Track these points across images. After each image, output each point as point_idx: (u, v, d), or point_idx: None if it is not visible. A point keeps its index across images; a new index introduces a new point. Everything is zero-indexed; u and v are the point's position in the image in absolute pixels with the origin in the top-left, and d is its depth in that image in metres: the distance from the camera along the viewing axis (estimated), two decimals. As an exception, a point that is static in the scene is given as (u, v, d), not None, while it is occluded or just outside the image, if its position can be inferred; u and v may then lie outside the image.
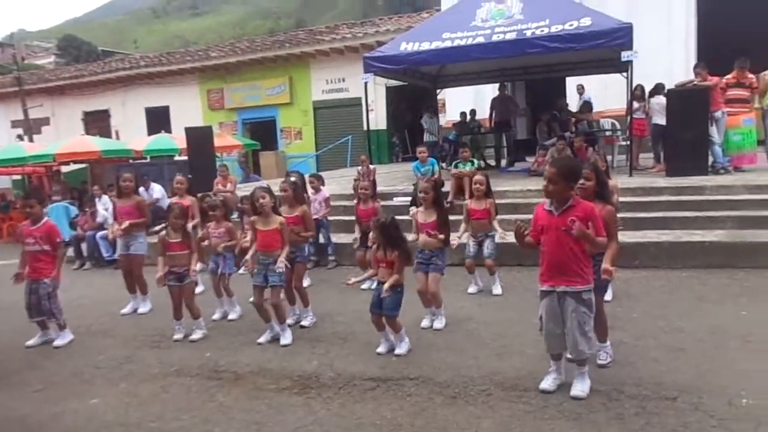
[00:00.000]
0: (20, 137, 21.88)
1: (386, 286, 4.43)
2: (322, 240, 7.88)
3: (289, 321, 5.28)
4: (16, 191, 20.46)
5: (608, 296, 5.28)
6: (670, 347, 4.33)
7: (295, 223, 5.47)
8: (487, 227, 6.08)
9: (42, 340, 5.50)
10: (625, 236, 5.94)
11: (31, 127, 22.49)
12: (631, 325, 4.85)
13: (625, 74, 9.77)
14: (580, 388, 3.64)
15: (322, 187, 8.01)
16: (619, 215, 5.05)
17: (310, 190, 7.86)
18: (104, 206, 9.73)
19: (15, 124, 23.62)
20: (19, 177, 19.60)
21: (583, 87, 13.00)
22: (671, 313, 5.12)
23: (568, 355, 3.75)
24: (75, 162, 16.77)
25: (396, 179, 11.50)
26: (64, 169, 18.16)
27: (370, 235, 6.24)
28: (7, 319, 6.10)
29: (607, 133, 12.14)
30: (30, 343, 5.46)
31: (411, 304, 4.82)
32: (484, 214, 6.02)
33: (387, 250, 4.49)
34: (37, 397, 4.30)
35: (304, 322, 5.44)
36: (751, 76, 9.60)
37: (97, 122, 22.80)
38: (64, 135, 20.28)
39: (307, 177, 8.22)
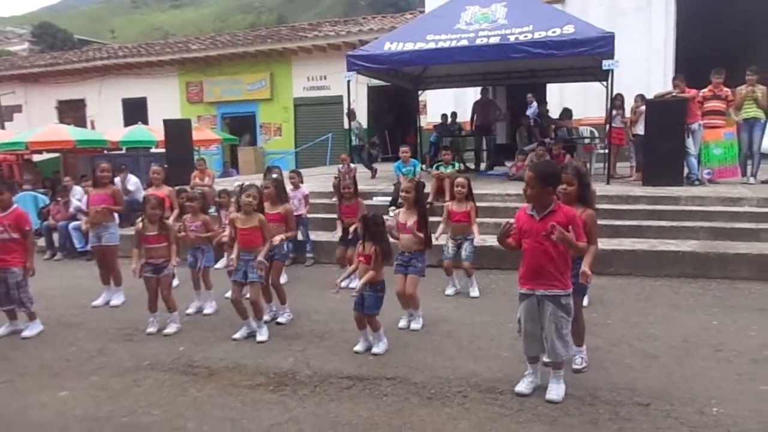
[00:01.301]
0: (-9, 123, 21.40)
1: (360, 282, 4.43)
2: (300, 237, 7.82)
3: (266, 317, 5.22)
4: (-15, 178, 19.95)
5: (584, 302, 5.34)
6: (644, 354, 4.40)
7: (277, 221, 5.43)
8: (467, 230, 6.10)
9: (10, 330, 5.37)
10: (600, 243, 5.97)
11: (2, 114, 21.98)
12: (606, 331, 4.90)
13: (605, 83, 9.91)
14: (556, 392, 3.66)
15: (301, 184, 7.95)
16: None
17: (289, 187, 7.80)
18: (77, 197, 9.54)
19: (-14, 109, 23.06)
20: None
21: (532, 97, 13.09)
22: (645, 320, 5.20)
23: (545, 359, 3.77)
24: (48, 151, 16.43)
25: (376, 179, 11.49)
26: (36, 157, 17.77)
27: (351, 229, 6.25)
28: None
29: (586, 141, 12.29)
30: (-3, 333, 5.32)
31: (389, 303, 4.80)
32: (464, 217, 6.04)
33: (366, 245, 4.49)
34: (4, 388, 4.19)
35: (280, 319, 5.39)
36: (726, 89, 9.80)
37: (72, 111, 22.35)
38: (36, 123, 19.85)
39: (286, 173, 8.16)
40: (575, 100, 13.69)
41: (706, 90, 9.87)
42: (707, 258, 6.65)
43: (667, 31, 14.38)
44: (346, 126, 12.32)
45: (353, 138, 12.87)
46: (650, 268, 6.71)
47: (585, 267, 3.73)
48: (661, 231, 7.42)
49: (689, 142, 9.42)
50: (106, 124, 20.32)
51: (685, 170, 9.45)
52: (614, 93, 9.90)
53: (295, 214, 7.43)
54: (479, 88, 13.48)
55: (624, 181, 10.31)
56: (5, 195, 5.37)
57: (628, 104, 10.72)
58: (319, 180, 11.15)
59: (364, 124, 18.35)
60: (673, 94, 9.80)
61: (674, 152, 9.11)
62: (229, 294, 6.10)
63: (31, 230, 5.52)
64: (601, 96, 10.96)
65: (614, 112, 10.35)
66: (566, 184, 3.87)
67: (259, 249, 4.96)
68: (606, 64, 8.88)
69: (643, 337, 4.74)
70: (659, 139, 9.06)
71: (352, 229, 6.22)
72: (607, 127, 10.31)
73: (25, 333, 5.30)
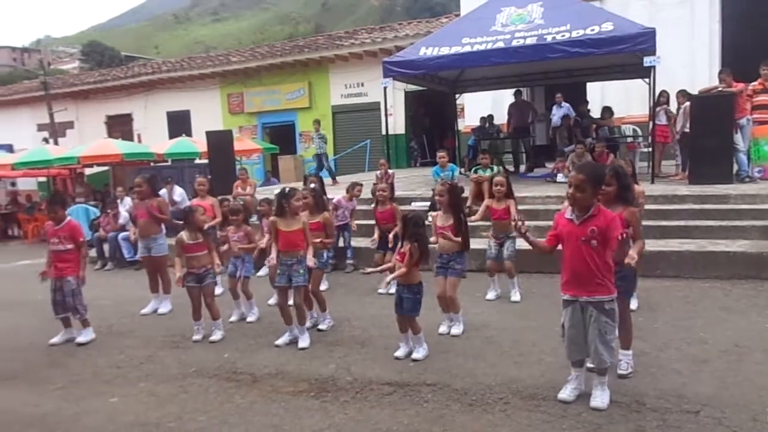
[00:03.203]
0: (46, 140, 22.30)
1: (389, 277, 4.48)
2: (342, 243, 7.90)
3: (307, 324, 5.28)
4: (41, 193, 20.82)
5: (633, 305, 5.23)
6: (693, 359, 4.26)
7: (317, 230, 5.48)
8: (508, 227, 6.03)
9: (65, 338, 5.59)
10: (645, 245, 5.87)
11: (56, 131, 22.89)
12: (652, 335, 4.77)
13: (647, 80, 9.67)
14: (600, 398, 3.58)
15: (355, 198, 8.02)
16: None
17: (343, 195, 7.92)
18: (126, 208, 9.86)
19: (41, 127, 24.04)
20: (44, 179, 19.93)
21: (561, 97, 12.89)
22: (694, 324, 5.04)
23: (589, 364, 3.70)
24: (98, 164, 17.03)
25: (414, 184, 11.48)
26: (88, 171, 18.45)
27: (390, 235, 6.27)
28: (32, 317, 6.19)
29: (629, 140, 12.01)
30: (53, 341, 5.55)
31: (429, 309, 4.80)
32: (504, 214, 5.99)
33: (404, 243, 4.51)
34: (59, 394, 4.36)
35: (321, 326, 5.44)
36: (777, 82, 9.44)
37: (120, 126, 23.11)
38: (87, 138, 20.60)
39: (346, 185, 8.26)
40: (617, 99, 13.40)
41: (755, 83, 9.53)
42: (760, 258, 6.40)
43: (711, 24, 13.93)
44: (383, 132, 12.37)
45: (316, 146, 13.57)
46: (699, 270, 6.50)
47: (632, 252, 3.63)
48: (710, 231, 7.19)
49: (737, 138, 9.10)
50: (152, 137, 20.93)
51: (734, 167, 9.13)
52: (657, 90, 9.66)
53: (341, 223, 7.57)
54: (510, 91, 13.35)
55: (669, 180, 10.03)
56: (60, 213, 5.62)
57: (673, 101, 10.42)
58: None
59: (402, 130, 18.47)
60: (720, 88, 9.49)
61: (722, 149, 8.82)
62: (271, 301, 6.23)
63: (84, 241, 5.75)
64: (643, 93, 10.71)
65: (658, 109, 10.09)
66: (605, 184, 3.79)
67: (301, 252, 5.02)
68: (647, 60, 8.68)
69: (692, 341, 4.60)
70: (706, 136, 8.79)
71: (391, 235, 6.23)
72: (651, 124, 10.04)
73: (79, 339, 5.51)
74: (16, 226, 16.71)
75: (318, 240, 5.36)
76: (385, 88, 10.46)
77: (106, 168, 17.71)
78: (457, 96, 14.20)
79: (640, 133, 12.06)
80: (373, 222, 7.21)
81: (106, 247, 9.90)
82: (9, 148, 22.14)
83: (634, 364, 4.04)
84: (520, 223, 3.72)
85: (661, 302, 5.69)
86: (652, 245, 6.62)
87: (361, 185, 8.26)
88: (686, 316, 5.25)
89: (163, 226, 6.81)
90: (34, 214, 15.67)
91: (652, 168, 9.90)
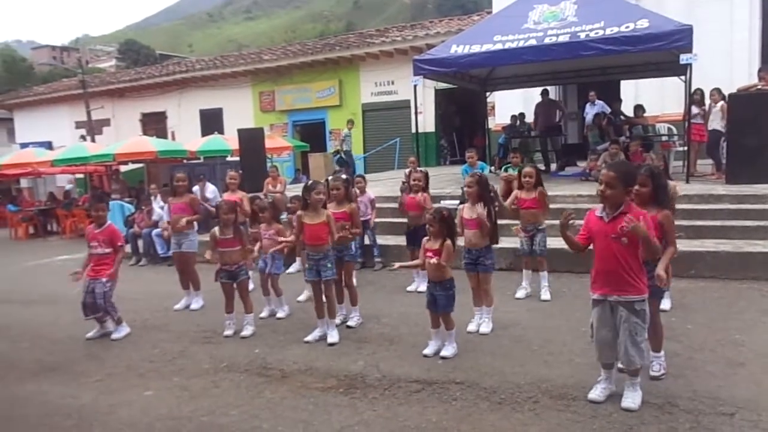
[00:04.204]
0: (83, 137, 22.88)
1: (435, 260, 4.41)
2: (367, 241, 7.93)
3: (336, 321, 5.33)
4: (78, 189, 21.38)
5: (666, 305, 5.14)
6: (728, 361, 4.17)
7: (343, 219, 5.45)
8: (537, 218, 5.98)
9: (100, 333, 5.74)
10: (680, 245, 5.74)
11: (93, 128, 23.48)
12: (686, 336, 4.68)
13: (683, 78, 9.47)
14: (632, 399, 3.54)
15: (367, 189, 8.04)
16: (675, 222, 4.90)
17: (356, 191, 7.92)
18: (160, 205, 10.05)
19: (79, 124, 24.68)
20: (81, 175, 20.45)
21: (594, 95, 12.72)
22: (730, 325, 4.93)
23: (620, 365, 3.66)
24: (133, 162, 17.40)
25: (444, 182, 11.45)
26: (123, 168, 18.87)
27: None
28: (70, 312, 6.36)
29: (663, 138, 11.77)
30: (89, 335, 5.70)
31: (458, 306, 4.79)
32: (533, 203, 5.94)
33: (433, 239, 4.51)
34: (96, 386, 4.49)
35: (350, 323, 5.48)
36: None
37: (154, 123, 23.57)
38: (123, 136, 21.07)
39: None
40: (651, 97, 13.15)
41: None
42: (800, 260, 6.23)
43: (751, 20, 13.56)
44: (413, 130, 12.37)
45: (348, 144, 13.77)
46: (735, 271, 6.35)
47: (660, 270, 3.59)
48: (747, 231, 7.01)
49: (777, 137, 8.85)
50: (185, 134, 21.31)
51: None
52: (693, 88, 9.45)
53: (362, 219, 7.57)
54: (540, 89, 13.21)
55: (705, 179, 9.81)
56: (102, 213, 5.75)
57: (707, 99, 10.19)
58: (386, 185, 11.24)
59: (432, 128, 18.43)
60: (759, 86, 9.24)
61: (761, 148, 8.59)
62: (301, 297, 6.31)
63: (123, 246, 5.88)
64: (679, 91, 10.49)
65: (694, 108, 9.87)
66: (639, 185, 3.74)
67: (326, 246, 5.07)
68: (684, 58, 8.49)
69: (727, 344, 4.50)
70: (744, 135, 8.58)
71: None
72: (686, 123, 9.83)
73: (114, 335, 5.66)
74: (54, 222, 17.18)
75: (345, 228, 5.36)
76: (415, 86, 10.45)
77: (140, 165, 18.09)
78: (487, 94, 14.10)
79: (675, 131, 11.82)
80: (402, 220, 7.22)
81: (140, 243, 10.12)
82: (48, 145, 22.81)
83: (666, 365, 3.97)
84: (568, 212, 3.66)
85: (696, 303, 5.57)
86: (686, 245, 6.49)
87: (363, 176, 8.32)
88: (721, 318, 5.13)
89: (195, 223, 6.93)
90: (72, 209, 16.09)
91: (688, 167, 9.70)
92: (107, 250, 5.64)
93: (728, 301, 5.64)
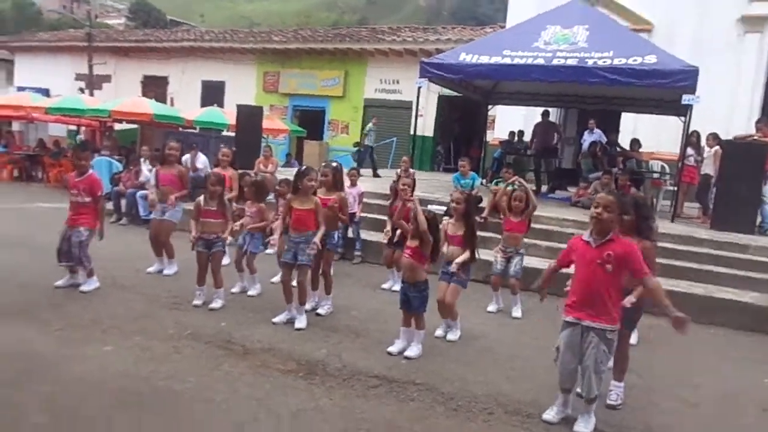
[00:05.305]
0: (81, 90, 22.61)
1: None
2: (351, 234, 7.92)
3: (307, 307, 5.32)
4: (69, 141, 21.11)
5: (633, 339, 5.18)
6: (683, 401, 4.23)
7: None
8: (518, 242, 6.05)
9: (70, 282, 5.69)
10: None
11: (93, 83, 23.21)
12: (647, 371, 4.73)
13: (683, 118, 9.56)
14: (584, 425, 3.57)
15: (359, 183, 8.04)
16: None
17: (347, 182, 7.91)
18: (148, 168, 9.97)
19: (79, 77, 24.38)
20: (74, 127, 20.20)
21: (594, 123, 12.84)
22: (691, 367, 5.01)
23: (578, 390, 3.69)
24: (128, 121, 17.21)
25: (434, 187, 11.47)
26: (117, 126, 18.67)
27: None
28: (42, 259, 6.28)
29: (655, 176, 11.89)
30: (58, 283, 5.66)
31: (428, 312, 4.80)
32: (517, 227, 5.99)
33: (413, 239, 4.63)
34: (57, 336, 4.45)
35: (320, 310, 5.48)
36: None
37: (155, 87, 23.33)
38: (122, 94, 20.81)
39: (346, 170, 8.26)
40: (649, 132, 13.26)
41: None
42: (768, 312, 6.31)
43: (757, 72, 13.74)
44: (412, 132, 12.38)
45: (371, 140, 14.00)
46: (704, 314, 6.40)
47: (633, 296, 3.64)
48: (722, 278, 7.10)
49: (766, 189, 8.98)
50: (185, 102, 21.12)
51: (758, 218, 9.01)
52: (691, 129, 9.55)
53: (349, 211, 7.55)
54: (541, 110, 13.28)
55: (691, 221, 9.91)
56: (84, 162, 5.70)
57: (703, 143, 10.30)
58: (376, 182, 11.24)
59: (430, 132, 18.45)
60: (755, 137, 9.37)
61: (749, 198, 8.71)
62: (275, 279, 6.28)
63: (102, 196, 5.83)
64: (676, 131, 10.60)
65: (689, 149, 9.98)
66: (623, 213, 3.78)
67: (309, 232, 5.06)
68: (686, 98, 8.58)
69: (685, 384, 4.56)
70: (734, 183, 8.69)
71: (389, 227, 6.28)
72: (680, 163, 9.94)
73: (83, 287, 5.61)
74: (40, 169, 16.97)
75: (332, 208, 5.38)
76: (419, 88, 10.46)
77: (135, 126, 17.90)
78: (489, 107, 14.15)
79: (668, 170, 11.93)
80: (383, 218, 7.21)
81: (123, 202, 10.03)
82: (45, 93, 22.50)
83: (624, 396, 4.02)
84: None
85: (662, 341, 5.62)
86: (662, 284, 6.54)
87: (357, 169, 8.36)
88: (684, 359, 5.20)
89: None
90: (60, 159, 15.90)
91: (675, 207, 9.80)
92: (87, 199, 5.60)
93: (693, 343, 5.68)
